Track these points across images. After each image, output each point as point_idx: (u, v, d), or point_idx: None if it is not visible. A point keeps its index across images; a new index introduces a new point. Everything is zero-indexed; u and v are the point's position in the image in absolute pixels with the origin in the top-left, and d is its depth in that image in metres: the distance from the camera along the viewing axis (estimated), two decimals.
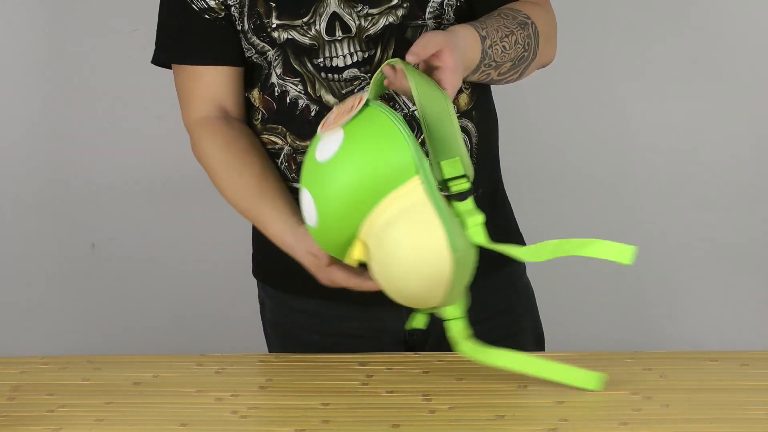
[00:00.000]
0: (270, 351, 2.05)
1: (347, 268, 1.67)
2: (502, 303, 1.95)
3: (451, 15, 1.82)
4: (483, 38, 1.70)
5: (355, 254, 1.57)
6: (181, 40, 1.85)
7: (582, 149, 2.76)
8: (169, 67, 1.92)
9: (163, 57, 1.89)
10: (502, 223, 1.97)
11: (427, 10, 1.81)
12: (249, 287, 2.92)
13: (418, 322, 1.72)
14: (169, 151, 2.80)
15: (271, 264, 1.95)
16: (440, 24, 1.82)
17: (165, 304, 2.88)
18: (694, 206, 2.82)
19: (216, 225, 2.84)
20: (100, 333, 2.88)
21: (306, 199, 1.59)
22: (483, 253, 1.90)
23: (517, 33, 1.75)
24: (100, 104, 2.77)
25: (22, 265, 2.86)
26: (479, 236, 1.59)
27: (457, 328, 1.65)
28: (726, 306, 2.87)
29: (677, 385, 1.67)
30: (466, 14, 1.84)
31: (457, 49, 1.62)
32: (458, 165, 1.58)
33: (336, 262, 1.67)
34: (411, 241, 1.53)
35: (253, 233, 2.01)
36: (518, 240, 2.01)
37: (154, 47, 2.80)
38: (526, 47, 1.77)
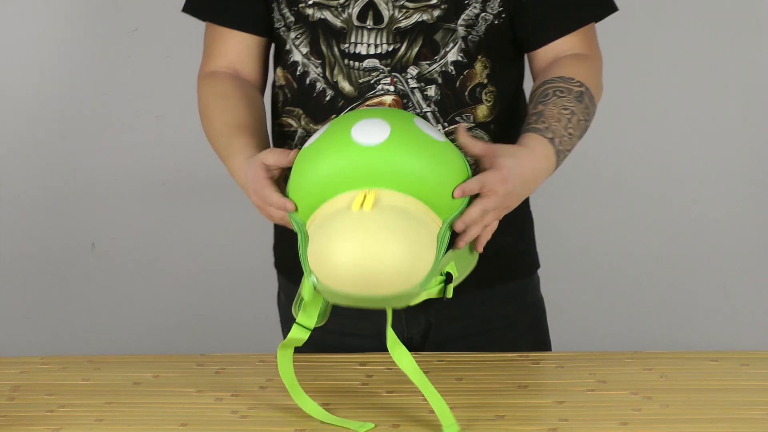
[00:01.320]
0: None
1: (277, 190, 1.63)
2: (501, 320, 1.92)
3: (482, 29, 1.80)
4: (551, 140, 1.69)
5: (367, 203, 1.52)
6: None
7: (581, 149, 2.76)
8: (192, 14, 1.91)
9: (193, 10, 1.90)
10: (522, 246, 1.96)
11: (462, 17, 1.80)
12: (248, 287, 2.92)
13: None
14: (169, 151, 2.80)
15: (286, 255, 1.94)
16: (470, 33, 1.80)
17: (165, 304, 2.88)
18: (693, 206, 2.82)
19: (216, 225, 2.84)
20: (100, 333, 2.88)
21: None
22: (485, 266, 1.85)
23: (578, 110, 1.75)
24: (100, 104, 2.77)
25: (22, 265, 2.85)
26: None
27: (297, 336, 1.59)
28: (726, 306, 2.87)
29: (677, 385, 1.67)
30: (500, 34, 1.82)
31: (504, 187, 1.60)
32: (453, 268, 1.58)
33: (274, 182, 1.64)
34: (405, 234, 1.49)
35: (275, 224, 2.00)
36: (532, 262, 1.99)
37: (153, 46, 2.80)
38: (587, 117, 1.77)
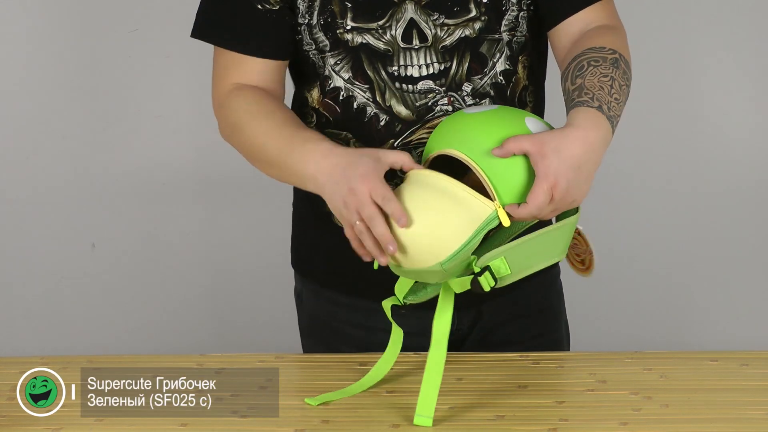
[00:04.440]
0: (303, 343, 2.02)
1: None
2: (541, 303, 1.93)
3: (525, 27, 1.80)
4: (599, 107, 1.64)
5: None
6: (227, 24, 1.80)
7: None
8: (206, 41, 1.84)
9: (205, 35, 1.83)
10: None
11: (503, 23, 1.78)
12: (249, 287, 2.92)
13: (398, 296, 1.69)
14: (169, 151, 2.80)
15: (315, 258, 1.93)
16: (514, 36, 1.79)
17: (165, 304, 2.88)
18: (693, 206, 2.82)
19: (215, 225, 2.84)
20: (100, 333, 2.88)
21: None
22: None
23: (617, 76, 1.70)
24: (100, 104, 2.77)
25: (22, 265, 2.86)
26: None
27: (387, 303, 1.67)
28: (726, 306, 2.87)
29: (677, 385, 1.67)
30: (536, 26, 1.81)
31: (547, 157, 1.57)
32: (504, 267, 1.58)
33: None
34: (426, 216, 1.55)
35: (293, 220, 1.98)
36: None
37: (153, 46, 2.80)
38: (627, 82, 1.73)
